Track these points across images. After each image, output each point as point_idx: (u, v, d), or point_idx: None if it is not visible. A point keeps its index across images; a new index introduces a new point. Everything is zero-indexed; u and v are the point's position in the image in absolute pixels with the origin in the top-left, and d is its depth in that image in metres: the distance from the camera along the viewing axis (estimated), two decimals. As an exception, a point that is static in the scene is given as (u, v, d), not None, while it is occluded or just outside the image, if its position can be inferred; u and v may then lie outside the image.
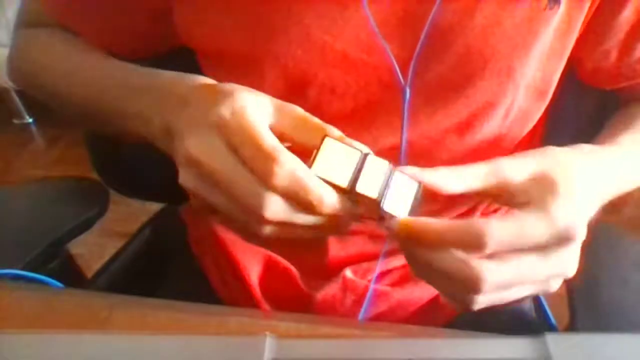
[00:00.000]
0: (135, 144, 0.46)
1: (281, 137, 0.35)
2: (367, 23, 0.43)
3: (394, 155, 0.49)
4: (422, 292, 0.57)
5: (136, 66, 0.48)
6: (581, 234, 0.35)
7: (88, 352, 0.36)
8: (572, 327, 0.51)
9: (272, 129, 0.36)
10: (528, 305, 0.65)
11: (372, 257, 0.55)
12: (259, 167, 0.33)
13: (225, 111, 0.35)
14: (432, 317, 0.58)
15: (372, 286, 0.55)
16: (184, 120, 0.37)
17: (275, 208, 0.34)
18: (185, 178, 0.36)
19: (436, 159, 0.50)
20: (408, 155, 0.49)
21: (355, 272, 0.55)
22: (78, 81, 0.51)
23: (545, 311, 0.67)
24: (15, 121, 2.18)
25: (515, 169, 0.37)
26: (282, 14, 0.44)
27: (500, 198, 0.38)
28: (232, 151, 0.34)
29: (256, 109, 0.35)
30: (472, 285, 0.33)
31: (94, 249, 0.95)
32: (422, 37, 0.44)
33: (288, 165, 0.33)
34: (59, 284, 0.47)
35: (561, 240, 0.35)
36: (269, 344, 0.36)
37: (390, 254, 0.57)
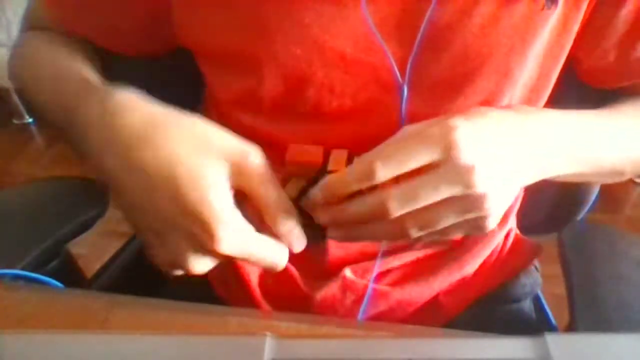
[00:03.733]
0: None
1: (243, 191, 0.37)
2: (366, 22, 0.43)
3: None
4: (422, 292, 0.57)
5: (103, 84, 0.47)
6: (483, 172, 0.34)
7: (88, 352, 0.36)
8: (572, 327, 0.51)
9: (234, 185, 0.36)
10: (528, 305, 0.65)
11: (372, 257, 0.55)
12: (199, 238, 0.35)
13: (186, 193, 0.34)
14: (432, 317, 0.58)
15: (371, 285, 0.55)
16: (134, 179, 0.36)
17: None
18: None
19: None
20: None
21: (354, 272, 0.55)
22: (56, 89, 0.51)
23: (545, 311, 0.67)
24: (15, 121, 2.18)
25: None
26: (281, 14, 0.44)
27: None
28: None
29: (209, 176, 0.35)
30: (381, 210, 0.35)
31: (94, 249, 0.95)
32: (419, 36, 0.44)
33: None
34: (59, 284, 0.47)
35: (447, 157, 0.34)
36: (269, 344, 0.36)
37: (389, 253, 0.57)
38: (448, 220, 0.36)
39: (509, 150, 0.38)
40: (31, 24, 0.58)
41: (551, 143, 0.41)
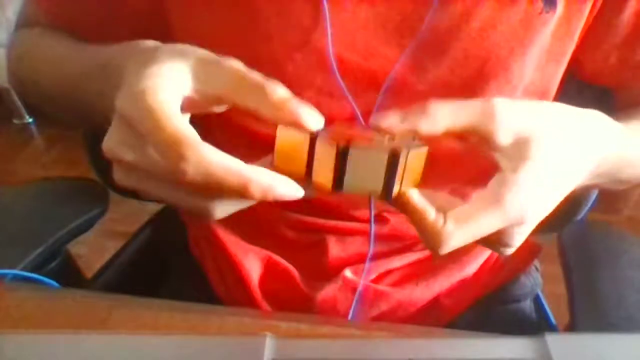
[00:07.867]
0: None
1: (218, 100, 0.33)
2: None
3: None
4: (422, 292, 0.57)
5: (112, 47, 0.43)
6: (531, 219, 0.35)
7: (88, 352, 0.36)
8: (572, 327, 0.51)
9: (199, 93, 0.32)
10: (528, 305, 0.65)
11: (372, 257, 0.55)
12: (167, 163, 0.30)
13: (123, 99, 0.31)
14: (433, 317, 0.58)
15: (361, 282, 0.55)
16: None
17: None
18: (116, 175, 0.36)
19: (435, 161, 0.50)
20: None
21: (355, 272, 0.55)
22: (60, 70, 0.49)
23: (545, 311, 0.67)
24: (15, 121, 2.18)
25: (507, 118, 0.34)
26: (281, 18, 0.44)
27: (481, 146, 0.36)
28: (141, 141, 0.31)
29: (163, 88, 0.31)
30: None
31: (94, 249, 0.95)
32: (416, 41, 0.44)
33: (194, 160, 0.29)
34: (58, 284, 0.47)
35: (512, 225, 0.35)
36: (269, 344, 0.36)
37: (390, 253, 0.57)
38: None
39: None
40: (27, 23, 0.58)
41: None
